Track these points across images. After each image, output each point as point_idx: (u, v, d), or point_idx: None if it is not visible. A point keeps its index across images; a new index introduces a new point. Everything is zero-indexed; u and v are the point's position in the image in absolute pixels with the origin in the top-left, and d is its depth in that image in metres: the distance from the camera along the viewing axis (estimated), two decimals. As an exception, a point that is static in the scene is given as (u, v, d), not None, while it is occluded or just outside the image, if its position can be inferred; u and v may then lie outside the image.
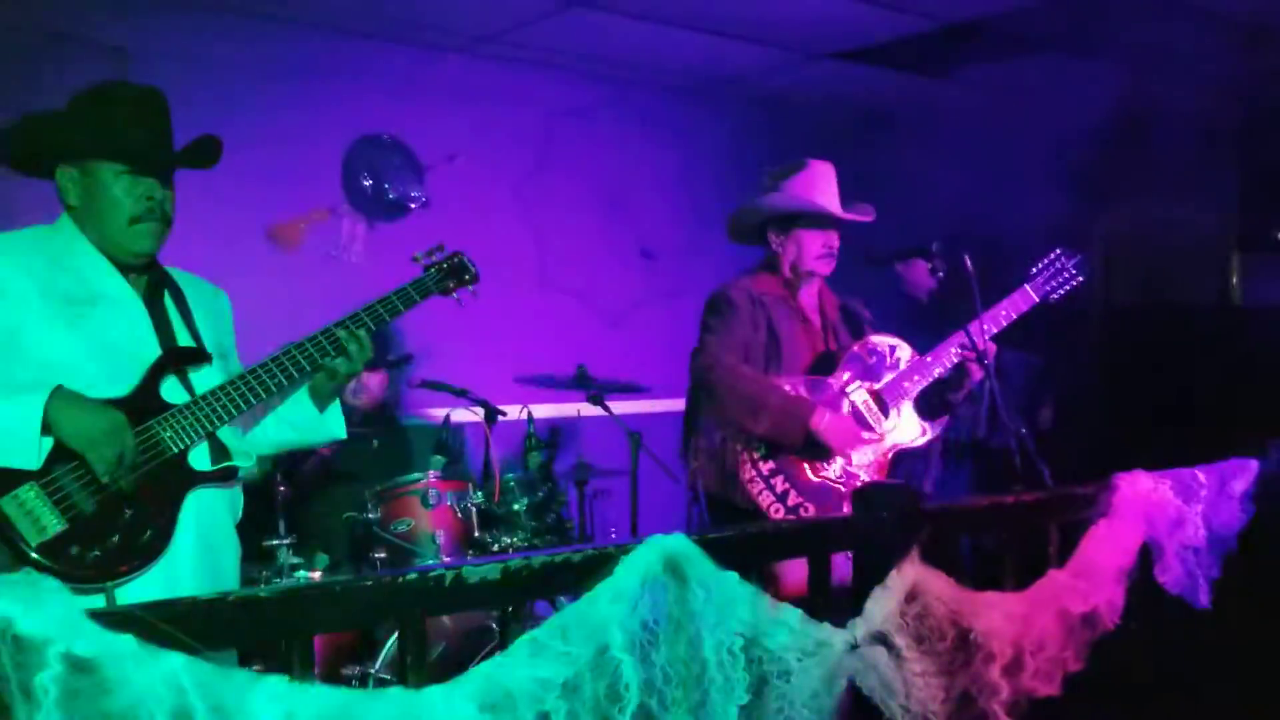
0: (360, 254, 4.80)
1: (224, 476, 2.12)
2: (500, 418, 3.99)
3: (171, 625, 1.12)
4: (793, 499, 2.77)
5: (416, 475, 3.33)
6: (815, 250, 2.99)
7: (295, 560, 3.11)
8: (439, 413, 4.51)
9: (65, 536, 1.90)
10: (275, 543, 3.07)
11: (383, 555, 3.24)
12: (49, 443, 1.91)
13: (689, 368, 2.89)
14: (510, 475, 3.50)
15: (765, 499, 2.76)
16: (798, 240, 2.99)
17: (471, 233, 5.11)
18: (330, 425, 2.35)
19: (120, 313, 2.08)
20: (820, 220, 2.98)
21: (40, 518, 1.89)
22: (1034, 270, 3.05)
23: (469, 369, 4.79)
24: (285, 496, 3.11)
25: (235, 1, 3.88)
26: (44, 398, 1.89)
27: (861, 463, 2.85)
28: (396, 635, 3.28)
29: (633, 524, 4.37)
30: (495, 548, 3.30)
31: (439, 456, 3.39)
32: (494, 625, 3.12)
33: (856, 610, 1.78)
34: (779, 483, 2.77)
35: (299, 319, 4.21)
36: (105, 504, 1.94)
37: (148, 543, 1.98)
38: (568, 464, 4.28)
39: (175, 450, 2.03)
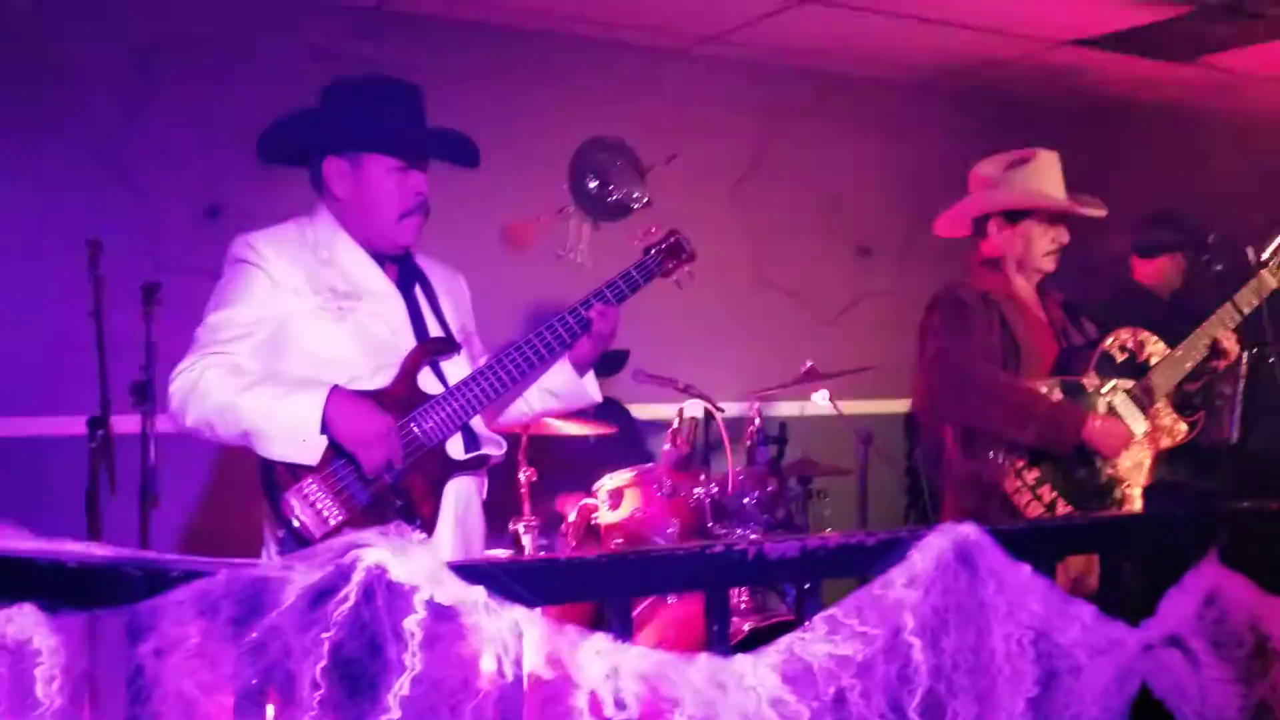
0: (586, 254, 4.94)
1: (477, 465, 2.21)
2: (721, 413, 4.03)
3: (516, 581, 1.19)
4: (1061, 507, 2.66)
5: (650, 466, 3.40)
6: (1044, 245, 2.87)
7: (542, 542, 3.23)
8: (664, 406, 4.59)
9: (346, 526, 1.99)
10: (521, 525, 3.20)
11: (618, 541, 3.32)
12: (324, 440, 2.02)
13: (929, 375, 2.77)
14: (740, 469, 3.52)
15: (1033, 510, 2.66)
16: (1026, 235, 2.88)
17: (690, 229, 5.17)
18: (589, 389, 2.42)
19: (383, 306, 2.19)
20: (1050, 214, 2.86)
21: (324, 509, 2.02)
22: (1266, 255, 2.84)
23: (690, 365, 4.86)
24: (530, 480, 3.23)
25: (477, 15, 4.08)
26: (323, 397, 2.00)
27: (1126, 466, 2.72)
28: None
29: (861, 525, 4.32)
30: (728, 539, 3.32)
31: (671, 447, 3.45)
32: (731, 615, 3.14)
33: (1148, 611, 1.71)
34: (1045, 492, 2.67)
35: (533, 314, 4.40)
36: (377, 496, 2.05)
37: (418, 531, 2.08)
38: (790, 460, 4.27)
39: (435, 441, 2.12)
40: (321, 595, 1.14)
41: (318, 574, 1.14)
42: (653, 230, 2.44)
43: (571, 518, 3.48)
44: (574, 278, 4.81)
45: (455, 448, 2.17)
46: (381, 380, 2.11)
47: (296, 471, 2.02)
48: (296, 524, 2.00)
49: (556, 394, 2.40)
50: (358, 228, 2.18)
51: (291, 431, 1.99)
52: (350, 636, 1.15)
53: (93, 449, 3.44)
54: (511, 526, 3.24)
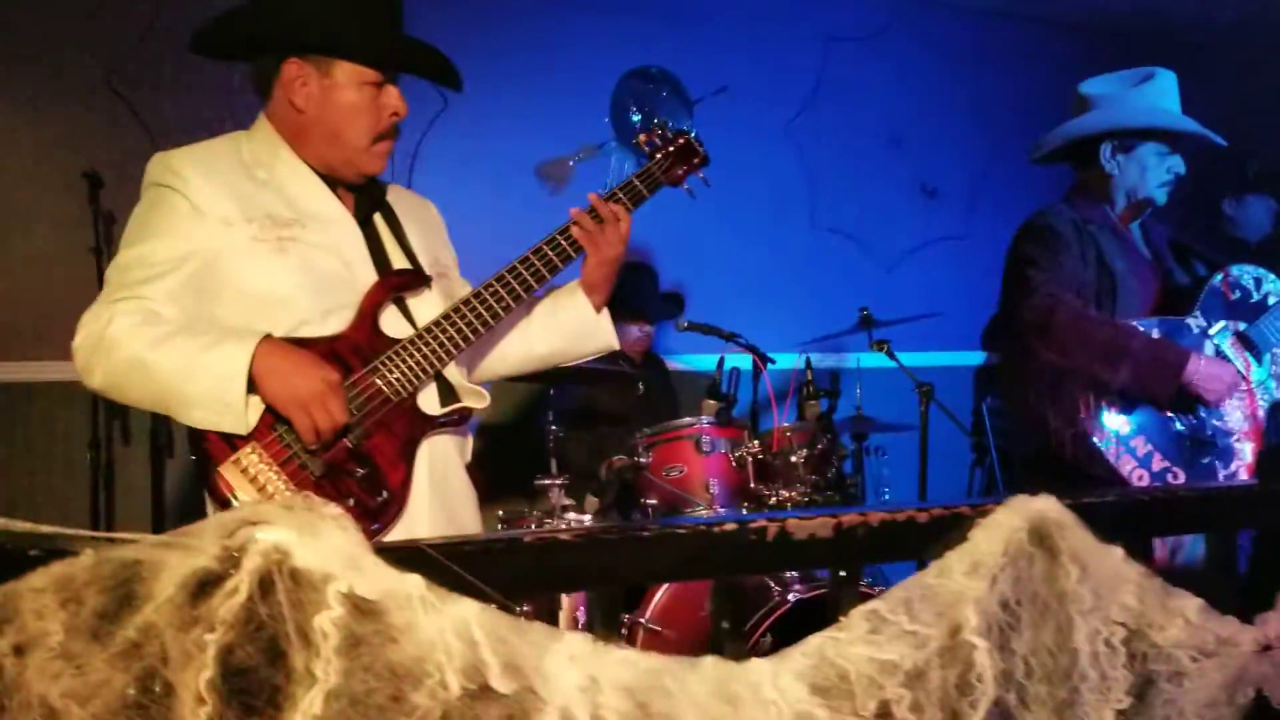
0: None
1: (457, 420, 1.89)
2: (770, 364, 3.74)
3: (464, 566, 0.93)
4: (1157, 462, 2.35)
5: (689, 420, 3.13)
6: (1159, 174, 2.54)
7: (566, 501, 2.99)
8: (710, 357, 4.31)
9: None
10: (547, 482, 2.96)
11: (654, 502, 3.07)
12: (257, 403, 1.72)
13: (1011, 308, 2.49)
14: (787, 425, 3.23)
15: (1126, 464, 2.35)
16: (1141, 161, 2.55)
17: (741, 170, 4.90)
18: (604, 330, 2.09)
19: (333, 235, 1.83)
20: (1169, 139, 2.52)
21: (267, 484, 1.72)
22: None
23: (738, 312, 4.56)
24: (556, 436, 2.99)
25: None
26: (249, 350, 1.68)
27: (1232, 418, 2.39)
28: (664, 586, 3.14)
29: (921, 485, 4.02)
30: (773, 501, 3.05)
31: (712, 401, 3.17)
32: (768, 580, 2.88)
33: (1267, 603, 1.41)
34: (1140, 444, 2.35)
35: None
36: (334, 464, 1.75)
37: (382, 506, 1.77)
38: (844, 415, 3.97)
39: (404, 394, 1.81)
40: (204, 585, 0.89)
41: (200, 558, 0.89)
42: (655, 131, 2.09)
43: (604, 476, 3.22)
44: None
45: (429, 401, 1.86)
46: (335, 325, 1.80)
47: (232, 440, 1.72)
48: (234, 502, 1.70)
49: (564, 331, 2.09)
50: (315, 147, 1.84)
51: (213, 393, 1.67)
52: (243, 639, 0.90)
53: (95, 398, 3.28)
54: (537, 482, 3.00)
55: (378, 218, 1.96)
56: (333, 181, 1.90)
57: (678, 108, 5.17)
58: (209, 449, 1.73)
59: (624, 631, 3.08)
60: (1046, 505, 1.25)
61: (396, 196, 2.04)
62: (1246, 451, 2.38)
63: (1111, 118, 2.57)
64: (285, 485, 1.71)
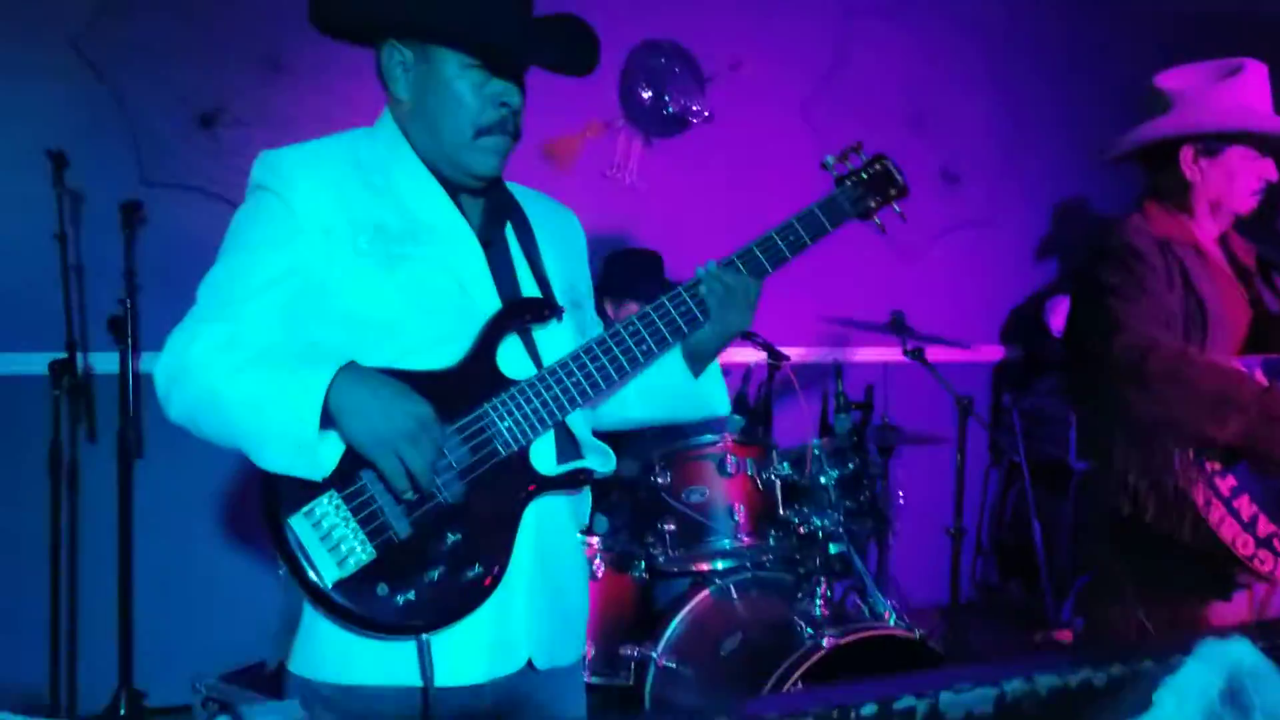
0: (636, 173, 4.33)
1: (573, 483, 1.59)
2: (785, 361, 3.46)
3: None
4: (1263, 527, 2.06)
5: (711, 437, 2.84)
6: (1250, 183, 2.23)
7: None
8: (736, 361, 4.03)
9: (372, 570, 1.44)
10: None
11: (672, 528, 2.79)
12: (338, 443, 1.45)
13: (1091, 349, 2.15)
14: (816, 442, 2.95)
15: (1228, 530, 2.06)
16: (1228, 168, 2.22)
17: (756, 150, 4.57)
18: (710, 396, 1.77)
19: (451, 252, 1.57)
20: (1260, 142, 2.21)
21: (341, 542, 1.44)
22: None
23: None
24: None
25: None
26: (326, 379, 1.41)
27: None
28: (681, 614, 2.87)
29: (957, 508, 3.75)
30: (803, 530, 2.78)
31: (737, 416, 2.89)
32: (797, 621, 2.62)
33: None
34: (1244, 505, 2.07)
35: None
36: (423, 525, 1.47)
37: (475, 580, 1.49)
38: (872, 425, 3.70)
39: (515, 447, 1.52)
40: None
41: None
42: (849, 153, 1.77)
43: (615, 496, 2.95)
44: (623, 200, 4.26)
45: (544, 456, 1.57)
46: (445, 357, 1.53)
47: (308, 486, 1.45)
48: (304, 563, 1.43)
49: (657, 395, 1.76)
50: (424, 144, 1.60)
51: (285, 431, 1.41)
52: None
53: (55, 396, 2.96)
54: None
55: (509, 231, 1.67)
56: (455, 188, 1.62)
57: (690, 83, 4.86)
58: (279, 494, 1.45)
59: (631, 666, 2.82)
60: (1242, 652, 0.98)
61: (535, 205, 1.75)
62: None
63: (1194, 118, 2.25)
64: (362, 547, 1.45)
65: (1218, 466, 2.07)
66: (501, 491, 1.52)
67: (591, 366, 1.56)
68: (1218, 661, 0.96)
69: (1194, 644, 0.96)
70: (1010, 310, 4.97)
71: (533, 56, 1.59)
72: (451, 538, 1.48)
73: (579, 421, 1.63)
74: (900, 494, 4.63)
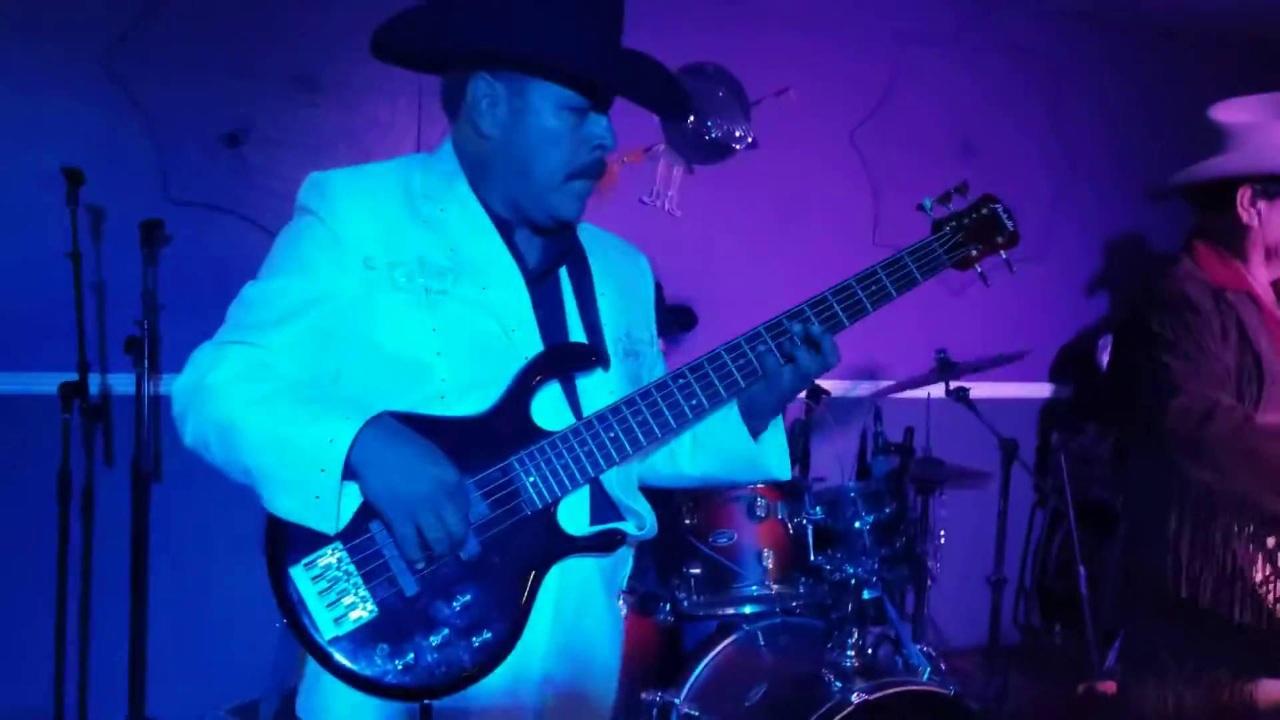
0: (676, 200, 4.23)
1: (606, 545, 1.47)
2: (825, 397, 3.34)
3: None
4: None
5: (743, 482, 2.71)
6: None
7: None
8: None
9: (372, 629, 1.36)
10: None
11: (698, 571, 2.68)
12: (356, 494, 1.37)
13: (1144, 409, 2.01)
14: (851, 484, 2.82)
15: None
16: None
17: (802, 179, 4.43)
18: (770, 459, 1.61)
19: (496, 291, 1.47)
20: None
21: (342, 598, 1.36)
22: None
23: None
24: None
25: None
26: (354, 429, 1.33)
27: None
28: (706, 661, 2.75)
29: (998, 553, 3.59)
30: (836, 577, 2.65)
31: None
32: (826, 673, 2.48)
33: None
34: None
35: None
36: (433, 583, 1.38)
37: (485, 645, 1.39)
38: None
39: (540, 504, 1.42)
40: None
41: None
42: (952, 194, 1.61)
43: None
44: (662, 229, 4.16)
45: (574, 515, 1.47)
46: (479, 401, 1.43)
47: (314, 536, 1.37)
48: (302, 617, 1.36)
49: (715, 455, 1.62)
50: (500, 182, 1.50)
51: (302, 481, 1.34)
52: None
53: (65, 419, 2.89)
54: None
55: (564, 273, 1.57)
56: (512, 227, 1.53)
57: (734, 108, 4.76)
58: (283, 541, 1.38)
59: (654, 713, 2.70)
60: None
61: (599, 244, 1.66)
62: None
63: (1255, 158, 2.10)
64: (364, 603, 1.36)
65: (1276, 540, 1.90)
66: (522, 552, 1.42)
67: (633, 420, 1.45)
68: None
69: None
70: (1060, 348, 4.80)
71: (636, 95, 1.51)
72: (462, 599, 1.39)
73: (619, 479, 1.52)
74: (942, 534, 4.48)
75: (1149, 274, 2.15)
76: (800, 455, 3.50)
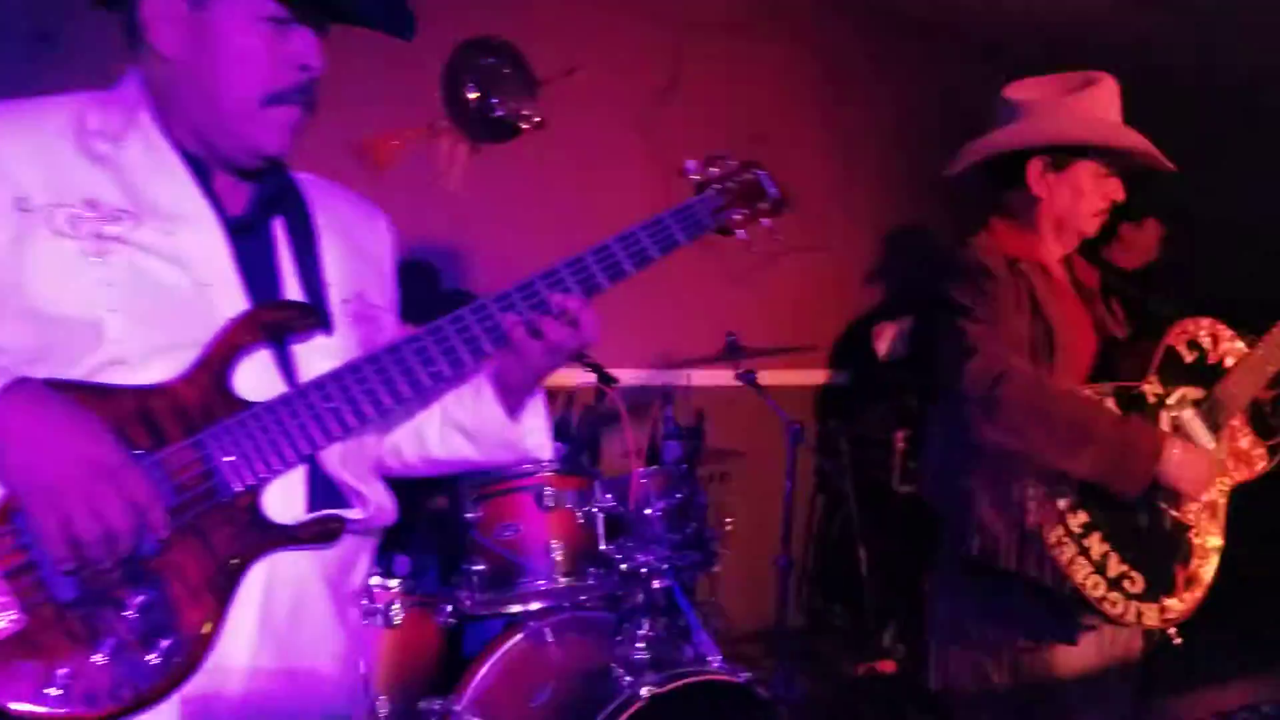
0: (460, 180, 4.05)
1: (323, 536, 1.28)
2: (613, 385, 3.27)
3: None
4: (1114, 567, 1.97)
5: (529, 468, 2.60)
6: (1095, 200, 2.14)
7: (374, 571, 2.42)
8: (557, 383, 3.79)
9: (15, 646, 1.12)
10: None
11: (482, 567, 2.54)
12: None
13: (943, 372, 2.03)
14: (643, 471, 2.76)
15: (1079, 569, 1.94)
16: (1074, 183, 2.13)
17: (591, 161, 4.36)
18: (529, 438, 1.49)
19: (181, 240, 1.26)
20: (1110, 157, 2.13)
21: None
22: None
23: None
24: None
25: None
26: None
27: (1194, 509, 2.05)
28: (490, 663, 2.62)
29: (785, 535, 3.63)
30: (625, 566, 2.57)
31: (558, 443, 2.65)
32: (615, 667, 2.40)
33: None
34: (1095, 544, 1.96)
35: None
36: (94, 587, 1.15)
37: (167, 664, 1.17)
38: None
39: (241, 487, 1.22)
40: None
41: None
42: (714, 159, 1.57)
43: (417, 530, 2.67)
44: (445, 208, 3.97)
45: (284, 502, 1.27)
46: (166, 369, 1.22)
47: None
48: None
49: (472, 435, 1.48)
50: (187, 112, 1.30)
51: None
52: None
53: None
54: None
55: (279, 225, 1.36)
56: (208, 168, 1.31)
57: (521, 87, 4.61)
58: None
59: (434, 720, 2.55)
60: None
61: (328, 198, 1.45)
62: (1210, 549, 2.05)
63: (1043, 129, 2.16)
64: (10, 611, 1.12)
65: (1069, 502, 1.96)
66: (216, 545, 1.20)
67: (359, 389, 1.27)
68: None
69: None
70: (837, 335, 4.94)
71: (358, 14, 1.35)
72: (138, 599, 1.16)
73: (343, 459, 1.33)
74: (729, 521, 4.52)
75: (950, 247, 2.19)
76: (590, 443, 3.42)
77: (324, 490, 1.30)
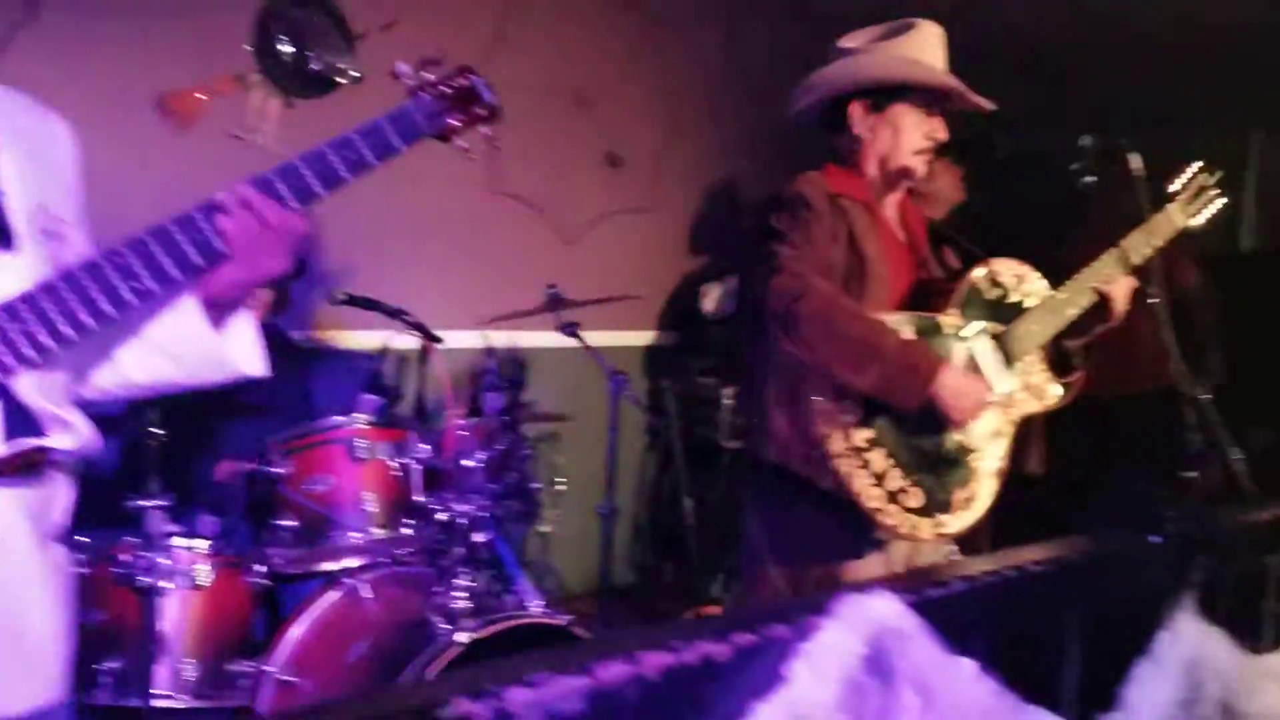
0: (272, 135, 3.88)
1: (23, 464, 1.19)
2: (438, 344, 3.21)
3: None
4: (893, 481, 2.05)
5: (339, 420, 2.52)
6: (915, 139, 2.22)
7: (171, 528, 2.30)
8: (372, 338, 3.68)
9: None
10: (145, 504, 2.25)
11: (294, 523, 2.45)
12: None
13: (753, 292, 2.10)
14: (463, 422, 2.72)
15: (859, 481, 2.02)
16: (895, 123, 2.21)
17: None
18: (237, 353, 1.41)
19: None
20: (930, 97, 2.22)
21: None
22: (1174, 188, 2.34)
23: (405, 284, 3.96)
24: (161, 443, 2.27)
25: None
26: None
27: (982, 433, 2.15)
28: (305, 621, 2.55)
29: (608, 487, 3.63)
30: (443, 516, 2.53)
31: (372, 395, 2.58)
32: (432, 616, 2.36)
33: (1099, 701, 1.09)
34: (877, 459, 2.04)
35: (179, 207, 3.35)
36: None
37: None
38: (524, 405, 3.51)
39: None
40: None
41: None
42: (428, 63, 1.54)
43: (225, 488, 2.56)
44: (257, 165, 3.81)
45: None
46: None
47: None
48: None
49: (176, 355, 1.39)
50: None
51: None
52: None
53: None
54: (130, 504, 2.27)
55: None
56: None
57: (337, 40, 4.44)
58: None
59: (240, 684, 2.46)
60: (886, 611, 0.84)
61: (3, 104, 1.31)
62: (986, 473, 2.16)
63: (860, 70, 2.24)
64: None
65: (856, 417, 2.04)
66: None
67: (54, 309, 1.18)
68: (859, 625, 0.81)
69: (831, 603, 0.80)
70: (667, 295, 4.99)
71: None
72: None
73: (40, 385, 1.23)
74: (561, 481, 4.52)
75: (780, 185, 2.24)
76: (419, 401, 3.35)
77: (19, 419, 1.20)
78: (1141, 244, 2.27)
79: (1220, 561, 1.19)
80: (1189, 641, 1.09)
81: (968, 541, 2.36)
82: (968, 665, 0.88)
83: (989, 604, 1.00)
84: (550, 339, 3.71)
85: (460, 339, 4.05)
